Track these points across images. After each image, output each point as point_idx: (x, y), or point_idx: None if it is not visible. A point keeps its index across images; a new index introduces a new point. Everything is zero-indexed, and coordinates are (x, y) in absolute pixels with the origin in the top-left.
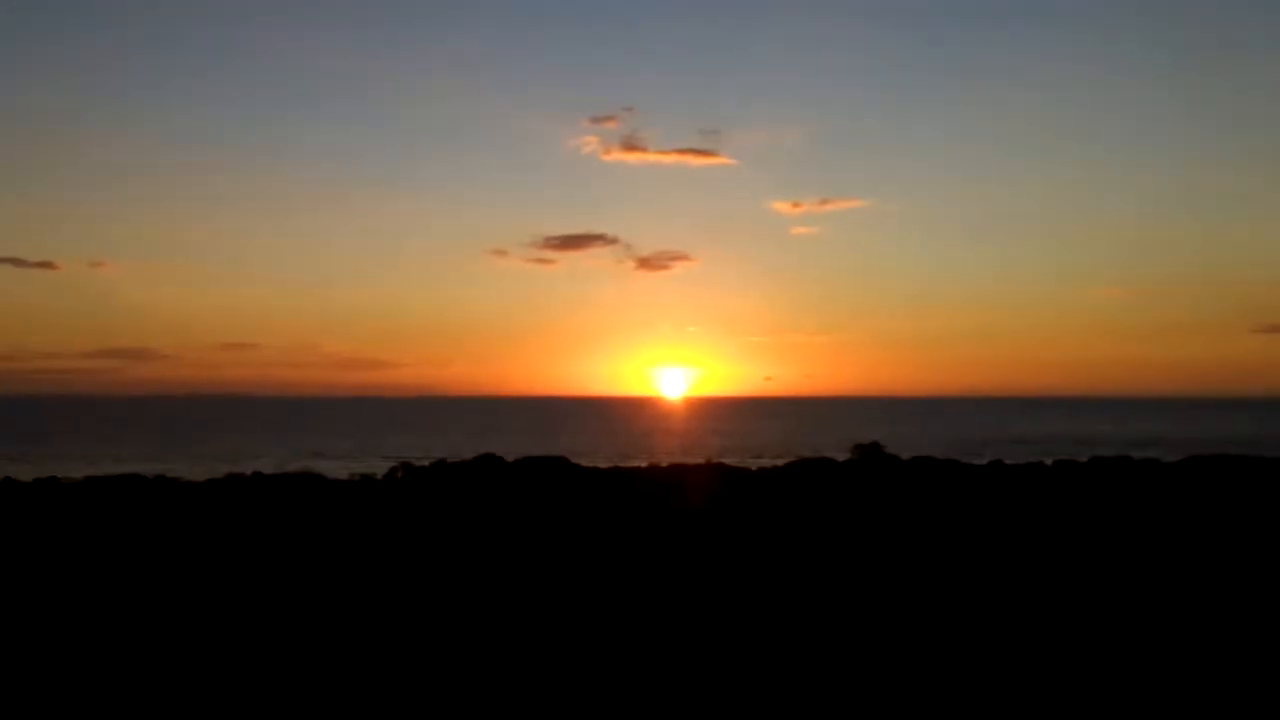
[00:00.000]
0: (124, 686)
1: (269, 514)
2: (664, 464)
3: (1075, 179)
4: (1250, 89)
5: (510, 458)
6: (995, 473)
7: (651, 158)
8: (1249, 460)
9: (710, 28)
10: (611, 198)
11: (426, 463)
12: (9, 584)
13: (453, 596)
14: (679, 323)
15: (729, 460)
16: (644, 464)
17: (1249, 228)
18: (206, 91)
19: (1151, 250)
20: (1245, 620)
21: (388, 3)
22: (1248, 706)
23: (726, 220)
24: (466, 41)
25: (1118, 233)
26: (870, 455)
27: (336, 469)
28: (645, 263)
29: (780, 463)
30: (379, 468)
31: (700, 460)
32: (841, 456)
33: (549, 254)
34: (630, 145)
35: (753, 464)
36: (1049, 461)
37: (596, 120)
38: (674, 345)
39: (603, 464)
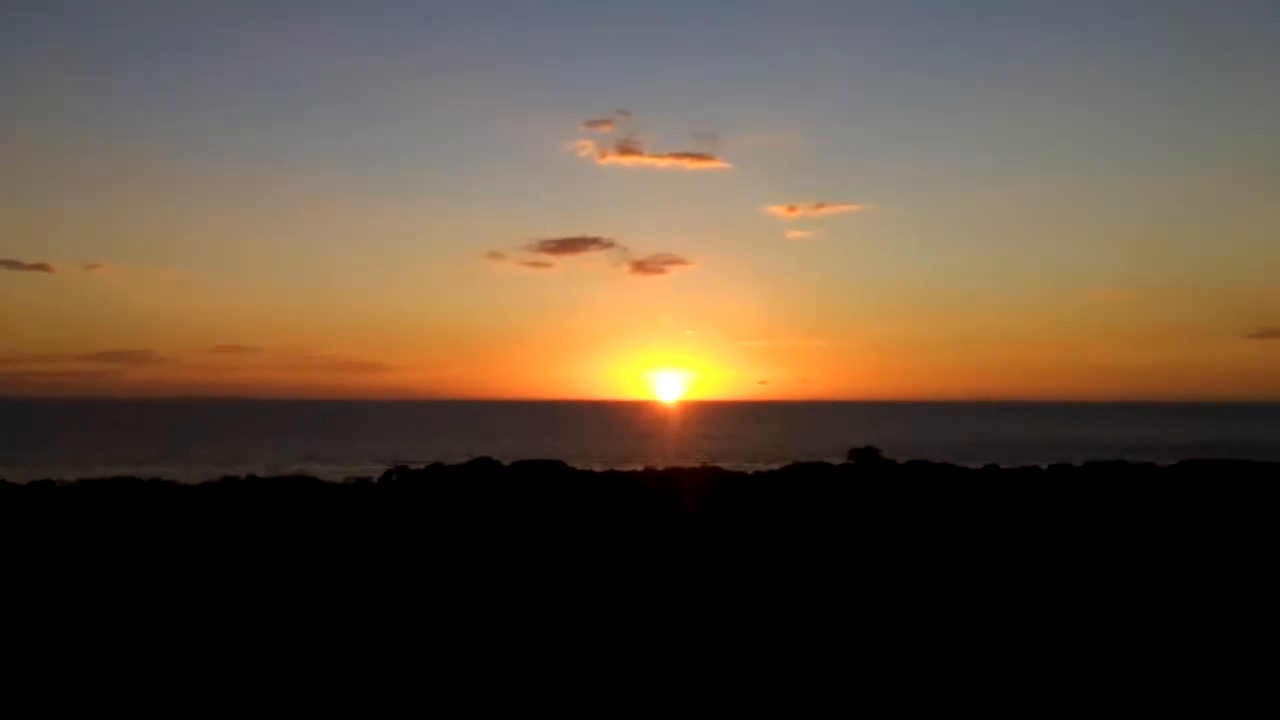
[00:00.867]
0: (120, 689)
1: (263, 517)
2: (659, 468)
3: (1070, 184)
4: (1247, 93)
5: (505, 461)
6: (991, 477)
7: (647, 161)
8: (1243, 465)
9: (706, 32)
10: (607, 201)
11: (421, 466)
12: (4, 587)
13: (447, 600)
14: (674, 326)
15: (724, 464)
16: (639, 468)
17: (1244, 232)
18: (203, 94)
19: (1146, 255)
20: (1240, 623)
21: (384, 8)
22: (1246, 707)
23: (722, 224)
24: (463, 46)
25: (1113, 238)
26: (866, 460)
27: (331, 472)
28: (641, 266)
29: (776, 467)
30: (374, 471)
31: (696, 464)
32: (837, 461)
33: (545, 257)
34: (626, 149)
35: (748, 468)
36: (1044, 466)
37: (592, 124)
38: (669, 349)
39: (598, 467)
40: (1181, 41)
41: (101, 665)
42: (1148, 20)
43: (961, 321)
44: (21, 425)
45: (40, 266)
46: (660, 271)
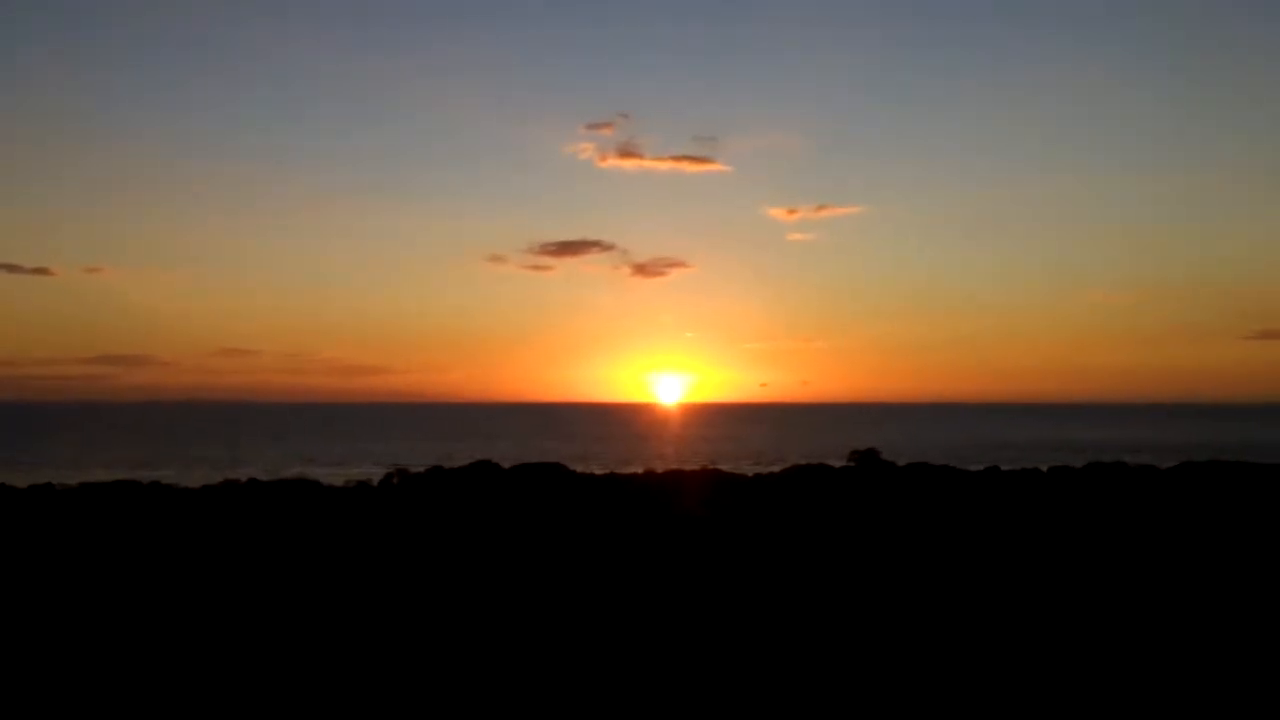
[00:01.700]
0: (120, 691)
1: (264, 521)
2: (660, 470)
3: (1070, 184)
4: (1247, 93)
5: (506, 464)
6: (991, 478)
7: (648, 164)
8: (1243, 466)
9: (706, 35)
10: (608, 204)
11: (422, 469)
12: (5, 590)
13: (449, 604)
14: (675, 329)
15: (725, 466)
16: (640, 470)
17: (1244, 232)
18: (203, 94)
19: (1145, 256)
20: (1240, 623)
21: (384, 9)
22: (1245, 707)
23: (722, 227)
24: (463, 48)
25: (1113, 238)
26: (867, 461)
27: (331, 475)
28: (641, 269)
29: (776, 469)
30: (374, 474)
31: (696, 467)
32: (838, 463)
33: (546, 260)
34: (626, 152)
35: (749, 470)
36: (1045, 467)
37: (592, 126)
38: (670, 351)
39: (599, 470)
40: (1181, 41)
41: (103, 668)
42: (1148, 20)
43: (962, 323)
44: (22, 428)
45: (41, 270)
46: (661, 274)
